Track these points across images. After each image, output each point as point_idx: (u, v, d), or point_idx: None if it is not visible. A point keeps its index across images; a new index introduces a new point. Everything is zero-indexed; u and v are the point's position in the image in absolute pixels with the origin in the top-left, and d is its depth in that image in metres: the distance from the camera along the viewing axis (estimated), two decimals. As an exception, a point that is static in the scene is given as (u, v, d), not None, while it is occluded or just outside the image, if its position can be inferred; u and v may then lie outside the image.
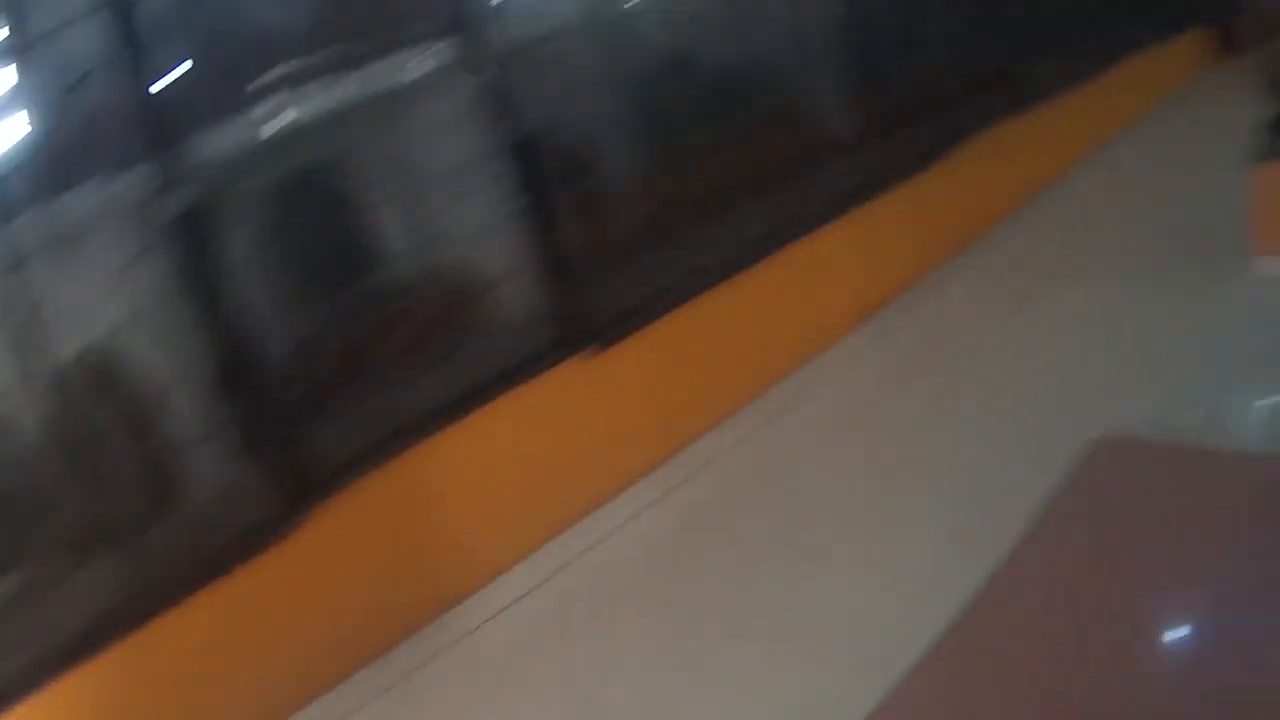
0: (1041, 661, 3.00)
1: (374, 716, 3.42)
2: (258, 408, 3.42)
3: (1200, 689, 2.73)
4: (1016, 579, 3.18)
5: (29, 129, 3.20)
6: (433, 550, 3.78)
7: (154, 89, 3.29)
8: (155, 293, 3.25)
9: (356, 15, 3.84)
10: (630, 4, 4.93)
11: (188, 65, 3.39)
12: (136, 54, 3.23)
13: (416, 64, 3.91)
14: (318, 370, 3.60)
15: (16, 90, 3.24)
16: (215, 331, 3.31)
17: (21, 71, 3.24)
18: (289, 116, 3.61)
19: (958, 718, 2.87)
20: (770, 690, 2.99)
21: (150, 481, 3.34)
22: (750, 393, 4.88)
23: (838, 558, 3.56)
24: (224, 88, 3.49)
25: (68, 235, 3.15)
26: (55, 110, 3.21)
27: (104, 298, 3.19)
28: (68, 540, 3.13)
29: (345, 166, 3.79)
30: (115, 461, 3.28)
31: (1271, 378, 4.33)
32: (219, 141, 3.43)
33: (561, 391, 4.08)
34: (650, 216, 4.67)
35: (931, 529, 3.57)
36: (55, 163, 3.16)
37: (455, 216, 3.98)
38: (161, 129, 3.25)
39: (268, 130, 3.58)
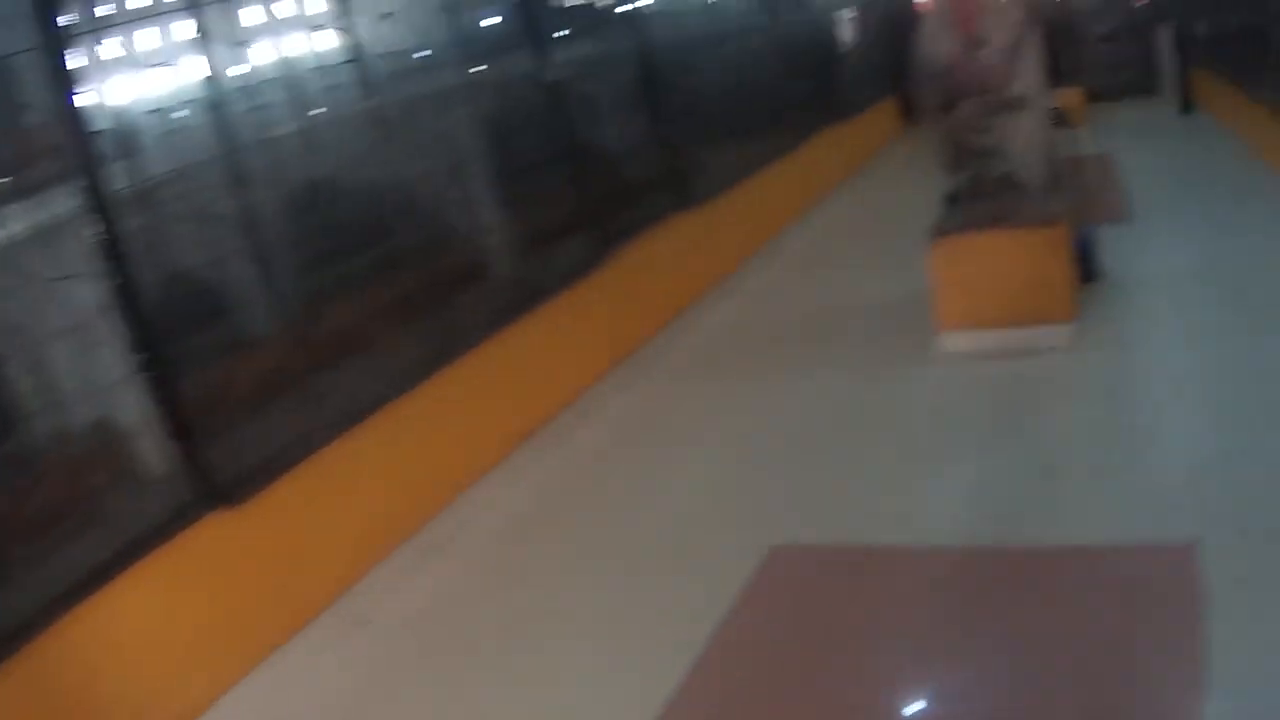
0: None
1: None
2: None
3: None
4: (692, 702, 3.04)
5: None
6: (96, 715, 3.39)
7: None
8: None
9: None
10: (266, 135, 4.54)
11: None
12: None
13: (36, 211, 3.75)
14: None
15: None
16: None
17: None
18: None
19: None
20: None
21: None
22: (401, 533, 4.52)
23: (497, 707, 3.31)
24: None
25: None
26: None
27: None
28: None
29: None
30: None
31: (954, 463, 4.45)
32: None
33: (205, 549, 3.76)
34: (285, 361, 4.43)
35: (596, 659, 3.44)
36: None
37: (81, 373, 3.79)
38: None
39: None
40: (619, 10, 7.15)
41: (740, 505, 4.46)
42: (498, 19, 5.89)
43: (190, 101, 4.38)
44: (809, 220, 9.40)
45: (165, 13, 4.51)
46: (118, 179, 3.64)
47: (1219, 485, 3.75)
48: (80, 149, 3.44)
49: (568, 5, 6.93)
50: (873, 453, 4.72)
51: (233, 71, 4.63)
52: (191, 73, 4.33)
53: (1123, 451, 4.24)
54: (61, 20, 3.41)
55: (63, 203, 3.61)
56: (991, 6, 5.46)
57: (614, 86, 6.81)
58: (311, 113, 4.90)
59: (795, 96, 9.88)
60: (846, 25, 11.79)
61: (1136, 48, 14.66)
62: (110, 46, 4.33)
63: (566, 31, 6.44)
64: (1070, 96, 11.31)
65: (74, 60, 3.46)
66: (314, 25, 5.02)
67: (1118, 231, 7.37)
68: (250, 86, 4.71)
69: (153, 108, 4.40)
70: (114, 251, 3.51)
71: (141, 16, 4.59)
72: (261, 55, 4.92)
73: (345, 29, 4.94)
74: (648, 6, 7.46)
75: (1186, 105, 12.13)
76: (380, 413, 4.49)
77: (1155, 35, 13.69)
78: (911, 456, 4.60)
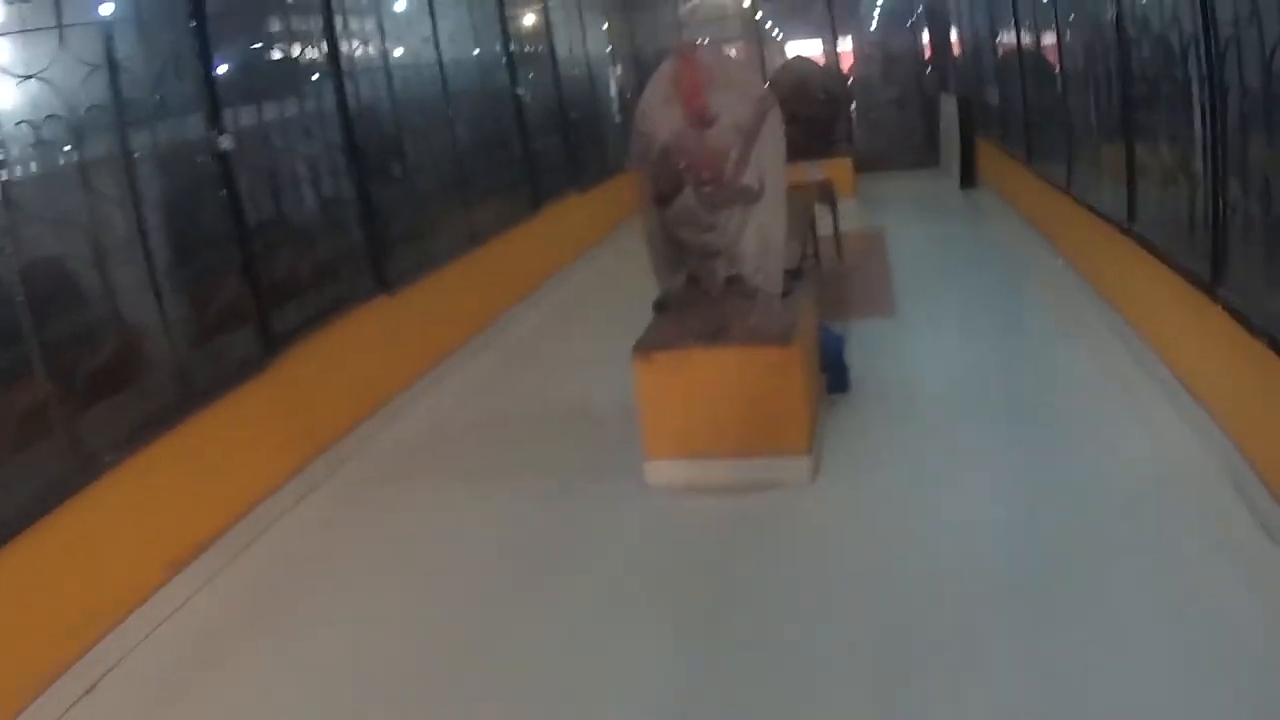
0: None
1: None
2: None
3: None
4: None
5: None
6: None
7: None
8: None
9: None
10: None
11: None
12: None
13: None
14: None
15: None
16: None
17: None
18: None
19: None
20: None
21: None
22: (40, 681, 3.62)
23: None
24: None
25: None
26: None
27: None
28: None
29: None
30: None
31: (639, 647, 3.58)
32: None
33: None
34: None
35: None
36: None
37: None
38: None
39: None
40: (322, 67, 6.13)
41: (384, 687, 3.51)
42: (164, 78, 4.80)
43: None
44: (539, 300, 8.40)
45: None
46: None
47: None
48: None
49: (257, 61, 5.89)
50: (546, 627, 3.81)
51: None
52: None
53: (848, 636, 3.39)
54: None
55: None
56: (724, 76, 4.55)
57: (308, 154, 5.94)
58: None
59: (530, 163, 8.88)
60: (592, 88, 10.88)
61: (919, 116, 14.54)
62: None
63: (251, 91, 5.50)
64: (838, 167, 10.82)
65: None
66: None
67: (880, 329, 6.66)
68: None
69: None
70: None
71: None
72: None
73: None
74: (361, 62, 6.53)
75: (968, 178, 11.89)
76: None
77: (937, 103, 13.52)
78: (591, 631, 3.72)
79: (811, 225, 8.13)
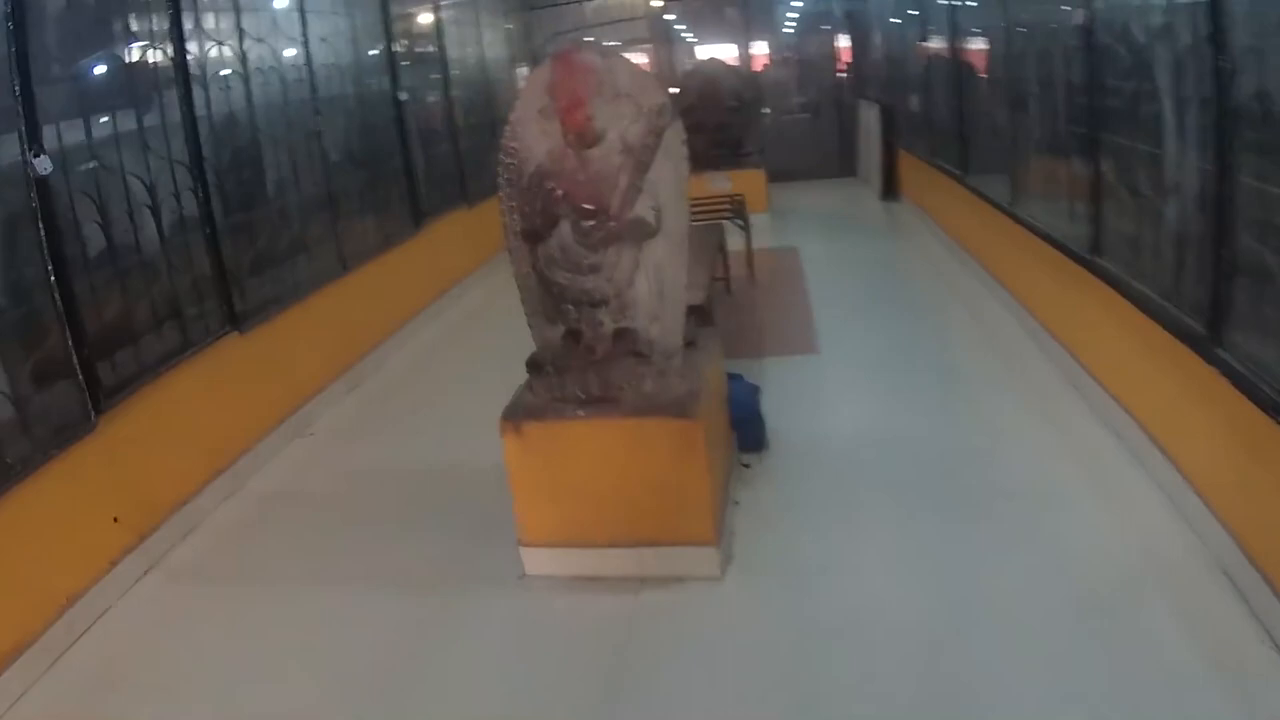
0: None
1: None
2: None
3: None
4: None
5: None
6: None
7: None
8: None
9: None
10: None
11: None
12: None
13: None
14: None
15: None
16: None
17: None
18: None
19: None
20: None
21: None
22: None
23: None
24: None
25: None
26: None
27: None
28: None
29: None
30: None
31: None
32: None
33: None
34: None
35: None
36: None
37: None
38: None
39: None
40: (166, 73, 5.17)
41: None
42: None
43: None
44: (417, 331, 7.41)
45: None
46: None
47: None
48: None
49: (87, 68, 4.85)
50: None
51: None
52: None
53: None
54: None
55: None
56: (612, 84, 3.62)
57: (147, 174, 4.94)
58: None
59: (411, 176, 7.86)
60: (488, 93, 9.87)
61: (834, 124, 13.83)
62: None
63: (80, 104, 4.55)
64: (750, 179, 9.98)
65: None
66: None
67: (799, 369, 5.81)
68: None
69: None
70: None
71: None
72: None
73: None
74: (215, 66, 5.58)
75: (889, 190, 11.16)
76: None
77: (856, 111, 12.80)
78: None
79: (721, 246, 7.26)
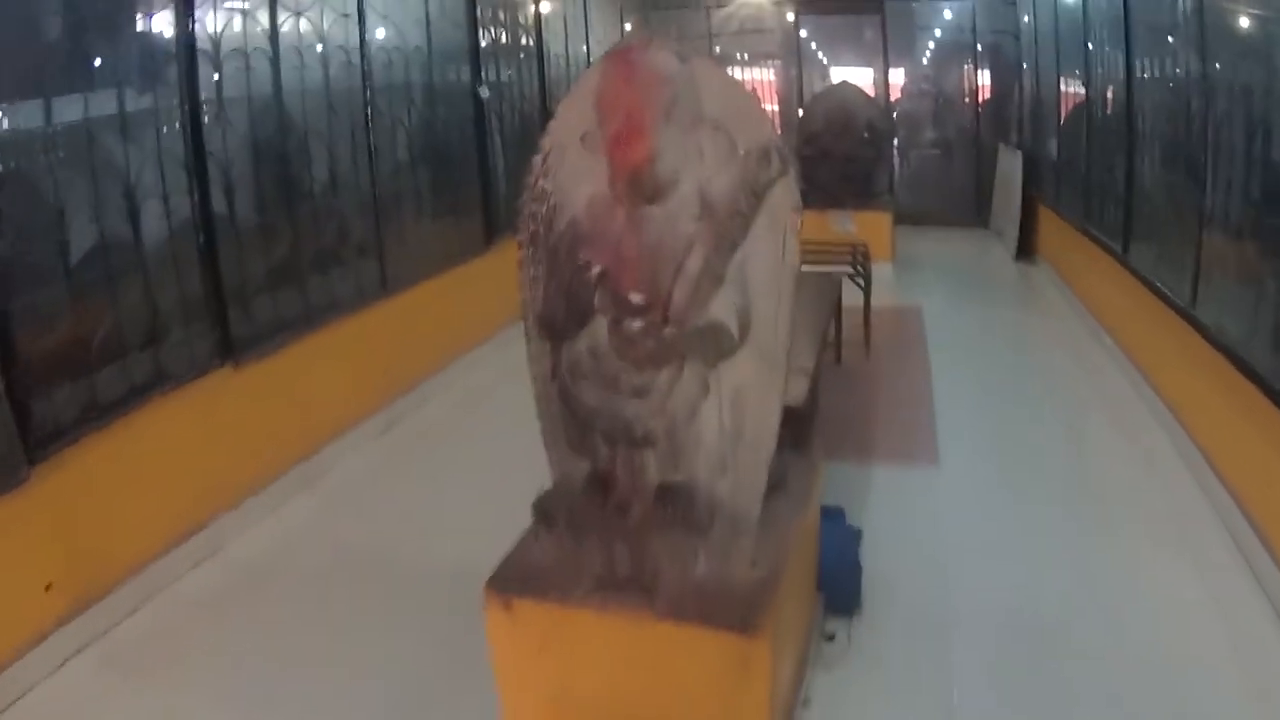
0: None
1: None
2: None
3: None
4: None
5: None
6: None
7: None
8: None
9: None
10: None
11: None
12: None
13: None
14: None
15: None
16: None
17: None
18: None
19: None
20: None
21: None
22: None
23: None
24: None
25: None
26: None
27: None
28: None
29: None
30: None
31: None
32: None
33: None
34: None
35: None
36: None
37: None
38: None
39: None
40: (164, 45, 4.06)
41: None
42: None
43: None
44: (468, 369, 5.99)
45: None
46: None
47: None
48: None
49: (51, 37, 3.75)
50: None
51: None
52: None
53: None
54: None
55: None
56: (692, 106, 2.19)
57: (127, 169, 3.83)
58: None
59: (487, 181, 6.54)
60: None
61: (968, 167, 12.13)
62: None
63: (39, 80, 3.51)
64: (875, 223, 8.42)
65: None
66: None
67: (914, 486, 4.50)
68: None
69: None
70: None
71: None
72: None
73: None
74: (231, 40, 4.37)
75: (1025, 248, 9.46)
76: None
77: (993, 155, 11.08)
78: None
79: (837, 307, 5.75)
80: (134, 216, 3.84)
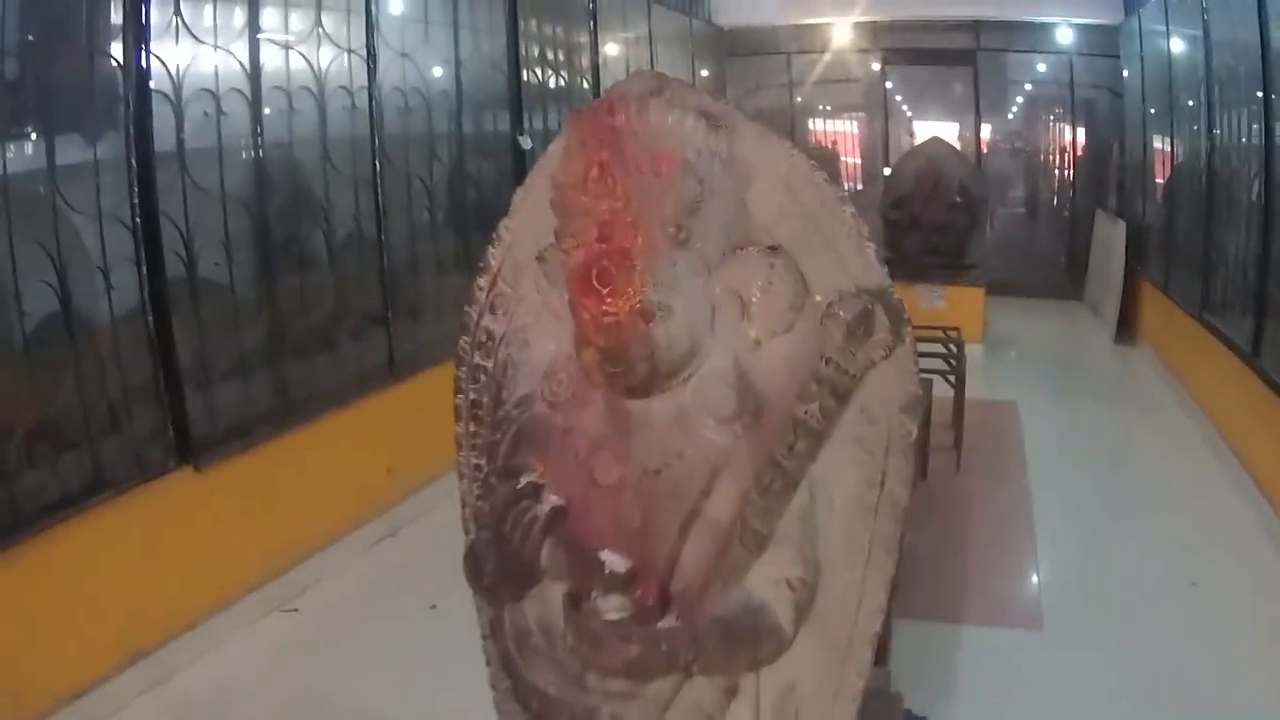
0: None
1: None
2: None
3: None
4: None
5: None
6: None
7: None
8: None
9: None
10: None
11: None
12: None
13: None
14: None
15: None
16: None
17: None
18: None
19: None
20: None
21: None
22: None
23: None
24: None
25: None
26: None
27: None
28: None
29: None
30: None
31: None
32: None
33: None
34: None
35: None
36: None
37: None
38: None
39: None
40: (111, 80, 3.21)
41: None
42: None
43: None
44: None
45: None
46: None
47: None
48: None
49: None
50: None
51: None
52: None
53: None
54: None
55: None
56: (709, 226, 1.04)
57: (52, 237, 3.03)
58: None
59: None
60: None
61: (1061, 233, 10.85)
62: None
63: None
64: (966, 299, 7.20)
65: None
66: None
67: (1011, 658, 3.42)
68: None
69: None
70: None
71: None
72: None
73: None
74: (196, 79, 3.50)
75: (1125, 328, 8.16)
76: None
77: (1089, 221, 9.80)
78: None
79: (927, 412, 4.54)
80: (64, 290, 2.97)
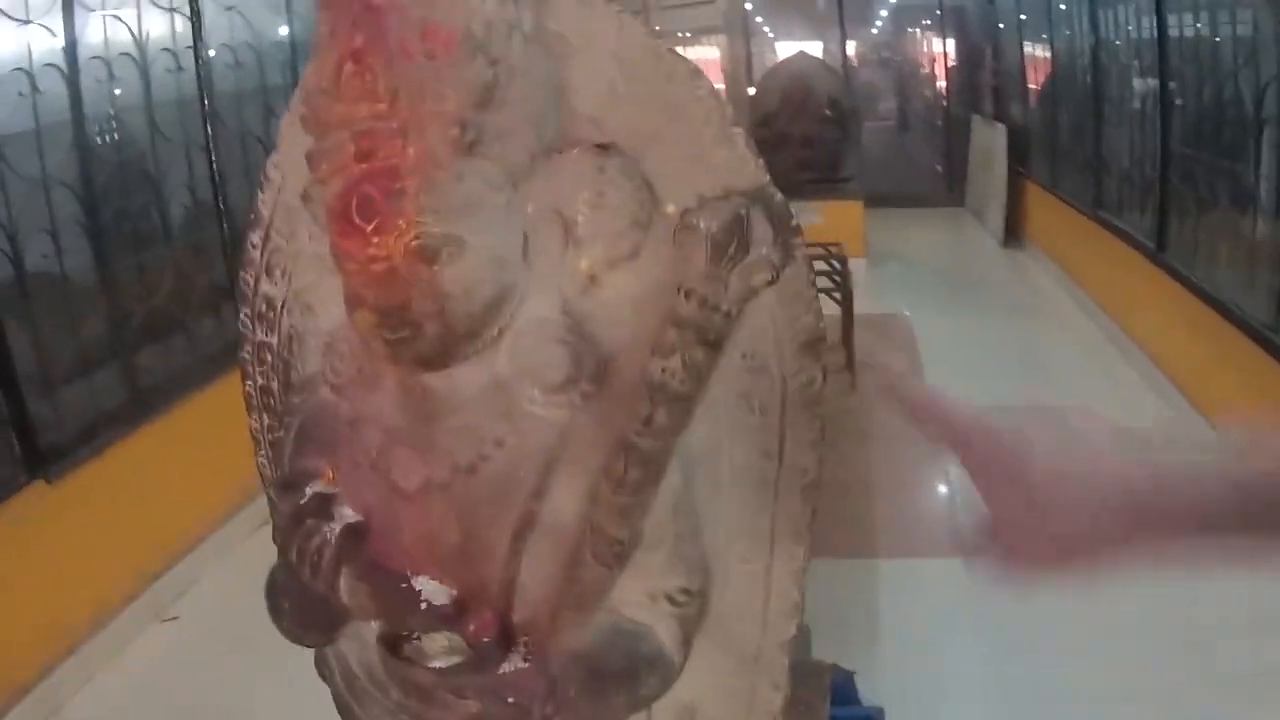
0: None
1: None
2: None
3: None
4: None
5: None
6: None
7: None
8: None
9: None
10: None
11: None
12: None
13: None
14: None
15: None
16: None
17: None
18: None
19: None
20: None
21: None
22: None
23: None
24: None
25: None
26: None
27: None
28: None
29: None
30: None
31: None
32: None
33: None
34: None
35: None
36: None
37: None
38: None
39: None
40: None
41: None
42: None
43: None
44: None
45: None
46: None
47: None
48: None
49: None
50: None
51: None
52: None
53: None
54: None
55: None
56: (512, 121, 0.64)
57: None
58: None
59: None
60: None
61: (934, 141, 10.81)
62: None
63: None
64: (844, 214, 6.99)
65: None
66: None
67: (935, 591, 3.12)
68: None
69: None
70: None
71: None
72: None
73: None
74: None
75: (1013, 233, 8.11)
76: None
77: (965, 128, 9.75)
78: None
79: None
80: None
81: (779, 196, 0.87)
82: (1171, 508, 0.55)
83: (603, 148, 0.87)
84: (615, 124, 0.89)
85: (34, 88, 3.13)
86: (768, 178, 0.87)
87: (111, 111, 3.57)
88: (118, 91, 3.58)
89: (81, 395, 3.29)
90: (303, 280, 1.13)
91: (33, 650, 2.93)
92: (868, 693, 2.48)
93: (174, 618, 3.43)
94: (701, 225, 0.82)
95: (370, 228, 0.81)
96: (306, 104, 0.90)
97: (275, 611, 1.03)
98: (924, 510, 3.91)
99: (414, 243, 0.80)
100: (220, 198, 4.05)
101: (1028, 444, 0.59)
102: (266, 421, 1.23)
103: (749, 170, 0.85)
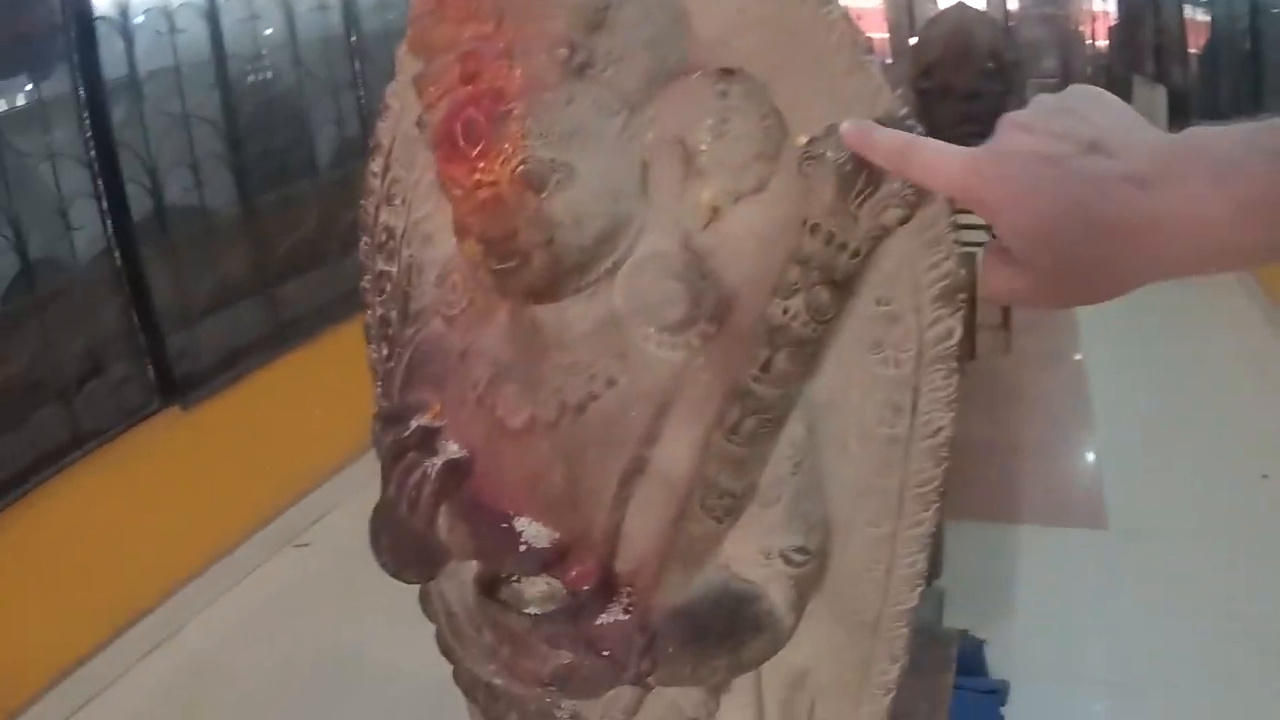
0: None
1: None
2: None
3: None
4: None
5: None
6: None
7: None
8: None
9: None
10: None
11: None
12: None
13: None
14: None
15: None
16: None
17: None
18: None
19: None
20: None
21: None
22: None
23: None
24: None
25: None
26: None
27: None
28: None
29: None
30: None
31: None
32: None
33: None
34: None
35: None
36: None
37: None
38: None
39: None
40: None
41: None
42: None
43: None
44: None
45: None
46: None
47: None
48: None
49: None
50: None
51: None
52: None
53: None
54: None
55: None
56: (625, 44, 0.60)
57: None
58: None
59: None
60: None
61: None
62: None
63: None
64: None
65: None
66: None
67: (1073, 561, 3.09)
68: None
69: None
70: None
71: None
72: None
73: None
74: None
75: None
76: None
77: (1124, 90, 9.10)
78: None
79: (970, 291, 4.03)
80: (19, 240, 2.75)
81: (919, 128, 0.78)
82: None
83: (727, 72, 0.80)
84: (743, 48, 0.82)
85: (173, 27, 3.21)
86: (904, 108, 0.78)
87: (254, 50, 3.63)
88: (268, 31, 3.62)
89: (222, 326, 3.39)
90: (421, 209, 1.10)
91: (154, 575, 3.07)
92: (996, 664, 2.38)
93: (305, 544, 3.54)
94: (829, 155, 0.75)
95: (475, 152, 0.77)
96: (413, 26, 0.86)
97: (376, 546, 1.02)
98: (1072, 477, 3.76)
99: (520, 168, 0.76)
100: (367, 135, 4.12)
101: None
102: (385, 352, 1.22)
103: (884, 100, 0.77)
